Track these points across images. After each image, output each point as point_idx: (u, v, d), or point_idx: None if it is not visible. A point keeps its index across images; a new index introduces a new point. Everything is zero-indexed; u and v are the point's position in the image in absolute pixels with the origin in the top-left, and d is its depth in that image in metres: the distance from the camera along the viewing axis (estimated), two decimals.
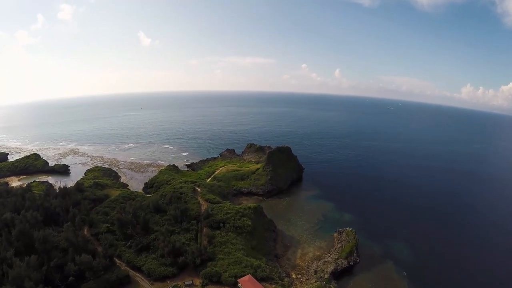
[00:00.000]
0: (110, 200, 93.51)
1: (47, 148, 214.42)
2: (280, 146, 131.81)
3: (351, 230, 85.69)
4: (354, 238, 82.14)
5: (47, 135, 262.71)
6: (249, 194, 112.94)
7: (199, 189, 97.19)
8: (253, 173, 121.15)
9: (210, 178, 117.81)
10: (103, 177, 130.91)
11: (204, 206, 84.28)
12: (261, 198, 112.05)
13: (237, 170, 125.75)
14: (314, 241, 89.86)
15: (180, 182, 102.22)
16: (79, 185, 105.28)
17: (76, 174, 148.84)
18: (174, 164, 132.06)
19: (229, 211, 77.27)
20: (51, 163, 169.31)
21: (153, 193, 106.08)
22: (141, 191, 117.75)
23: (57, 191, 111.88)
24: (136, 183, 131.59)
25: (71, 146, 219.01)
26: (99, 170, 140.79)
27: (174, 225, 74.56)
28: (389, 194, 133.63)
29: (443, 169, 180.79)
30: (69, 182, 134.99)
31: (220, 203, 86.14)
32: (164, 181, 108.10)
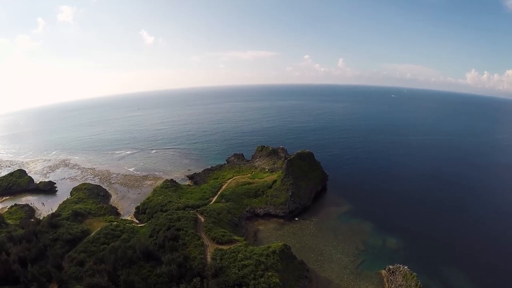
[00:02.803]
0: (88, 241, 71.57)
1: (37, 160, 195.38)
2: (301, 151, 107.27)
3: (410, 273, 61.96)
4: (416, 285, 58.75)
5: (41, 144, 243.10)
6: (267, 216, 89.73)
7: (202, 219, 74.26)
8: (270, 187, 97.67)
9: (216, 197, 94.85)
10: (89, 198, 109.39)
11: (210, 248, 61.59)
12: (282, 220, 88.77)
13: (249, 183, 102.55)
14: (358, 284, 66.85)
15: (178, 209, 79.62)
16: (53, 218, 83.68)
17: (63, 192, 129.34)
18: (172, 179, 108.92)
19: (246, 262, 53.96)
20: (39, 178, 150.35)
21: (146, 221, 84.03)
22: (132, 217, 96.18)
23: (32, 220, 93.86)
24: (127, 204, 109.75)
25: (63, 156, 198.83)
26: (85, 188, 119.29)
27: (169, 285, 52.18)
28: (432, 202, 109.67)
29: (488, 166, 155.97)
30: (54, 202, 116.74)
31: (232, 242, 63.46)
32: (159, 205, 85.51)
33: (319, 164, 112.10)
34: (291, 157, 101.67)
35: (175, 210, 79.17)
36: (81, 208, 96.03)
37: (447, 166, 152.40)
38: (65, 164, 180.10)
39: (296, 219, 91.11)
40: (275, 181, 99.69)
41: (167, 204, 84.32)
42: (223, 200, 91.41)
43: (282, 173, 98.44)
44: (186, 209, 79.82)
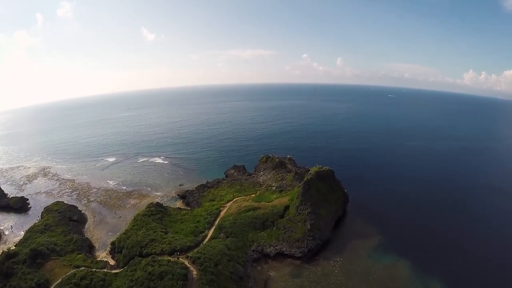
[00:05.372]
0: None
1: (17, 167, 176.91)
2: (318, 168, 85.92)
3: None
4: None
5: (25, 148, 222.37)
6: (279, 256, 69.27)
7: (194, 273, 53.85)
8: (281, 215, 77.43)
9: (213, 229, 74.34)
10: (58, 225, 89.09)
11: None
12: (299, 262, 68.44)
13: (254, 209, 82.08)
14: None
15: (162, 252, 59.48)
16: (6, 262, 63.74)
17: (35, 211, 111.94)
18: (157, 203, 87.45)
19: None
20: (13, 191, 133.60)
21: (122, 265, 64.01)
22: (108, 254, 76.07)
23: None
24: (104, 233, 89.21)
25: (44, 163, 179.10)
26: (56, 210, 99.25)
27: None
28: (478, 227, 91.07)
29: None
30: (23, 224, 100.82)
31: None
32: (138, 245, 65.00)
33: (340, 184, 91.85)
34: (308, 178, 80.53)
35: (159, 254, 59.01)
36: (43, 244, 76.24)
37: (486, 179, 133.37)
38: (45, 173, 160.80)
39: (316, 258, 71.46)
40: (287, 207, 79.49)
41: (149, 244, 63.90)
42: (221, 234, 71.09)
43: (297, 198, 77.93)
44: (173, 254, 59.62)
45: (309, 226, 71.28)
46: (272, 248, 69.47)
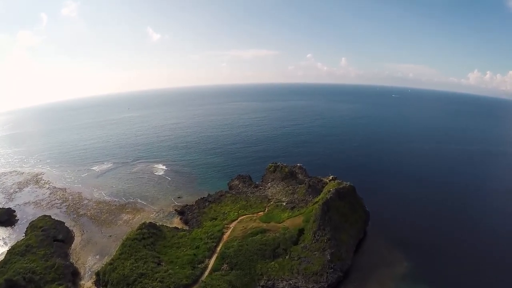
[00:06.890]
0: None
1: (10, 173, 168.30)
2: (339, 185, 73.96)
3: None
4: None
5: (21, 151, 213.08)
6: None
7: None
8: (295, 242, 65.90)
9: (214, 258, 63.09)
10: (40, 247, 78.38)
11: None
12: None
13: (262, 232, 70.64)
14: None
15: None
16: None
17: (22, 224, 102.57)
18: (150, 223, 75.35)
19: None
20: (1, 201, 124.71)
21: None
22: (92, 286, 65.12)
23: None
24: (91, 256, 78.26)
25: (38, 169, 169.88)
26: (41, 228, 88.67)
27: None
28: None
29: None
30: (7, 241, 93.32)
31: None
32: (123, 281, 54.04)
33: (361, 201, 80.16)
34: (327, 197, 68.69)
35: None
36: (20, 272, 65.76)
37: None
38: (36, 180, 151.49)
39: None
40: (301, 231, 67.88)
41: (137, 280, 52.89)
42: (225, 265, 59.90)
43: (313, 222, 66.23)
44: None
45: (329, 257, 59.69)
46: (285, 283, 57.80)
